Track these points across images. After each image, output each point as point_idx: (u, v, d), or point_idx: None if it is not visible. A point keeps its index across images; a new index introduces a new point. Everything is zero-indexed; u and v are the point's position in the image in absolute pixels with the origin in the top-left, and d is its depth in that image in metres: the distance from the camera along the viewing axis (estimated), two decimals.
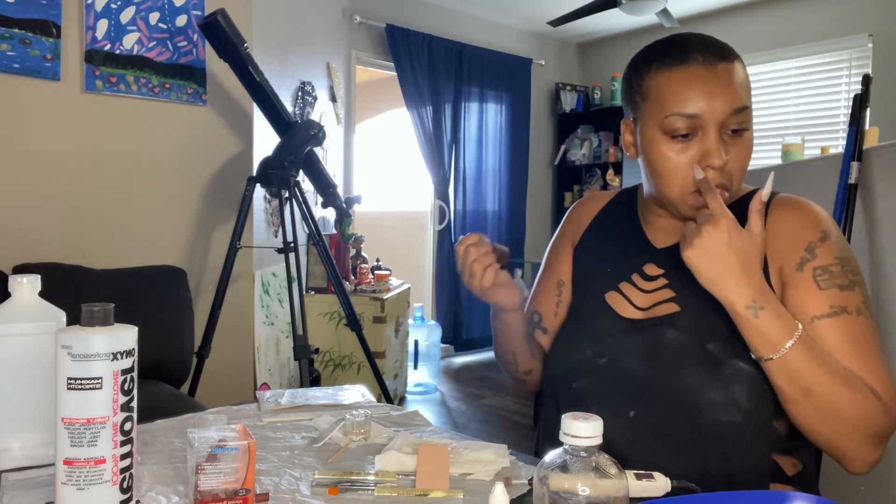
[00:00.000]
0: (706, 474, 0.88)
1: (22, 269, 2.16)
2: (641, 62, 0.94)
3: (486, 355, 5.27)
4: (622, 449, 0.90)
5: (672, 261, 0.97)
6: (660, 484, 0.81)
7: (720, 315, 0.88)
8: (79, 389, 0.71)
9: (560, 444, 0.59)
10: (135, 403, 0.75)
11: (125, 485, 0.74)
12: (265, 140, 2.93)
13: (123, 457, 0.73)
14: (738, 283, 0.81)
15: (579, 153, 5.76)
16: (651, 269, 0.99)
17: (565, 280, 1.13)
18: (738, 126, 0.88)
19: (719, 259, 0.82)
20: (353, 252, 3.82)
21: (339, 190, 3.28)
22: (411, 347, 4.20)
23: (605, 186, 5.53)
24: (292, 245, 2.45)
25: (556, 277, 1.14)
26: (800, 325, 0.82)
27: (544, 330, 1.14)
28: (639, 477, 0.81)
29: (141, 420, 0.80)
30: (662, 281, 0.97)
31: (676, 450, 0.89)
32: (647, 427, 0.91)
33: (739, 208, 0.94)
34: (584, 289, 1.07)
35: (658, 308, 0.96)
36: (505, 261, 1.02)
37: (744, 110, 0.88)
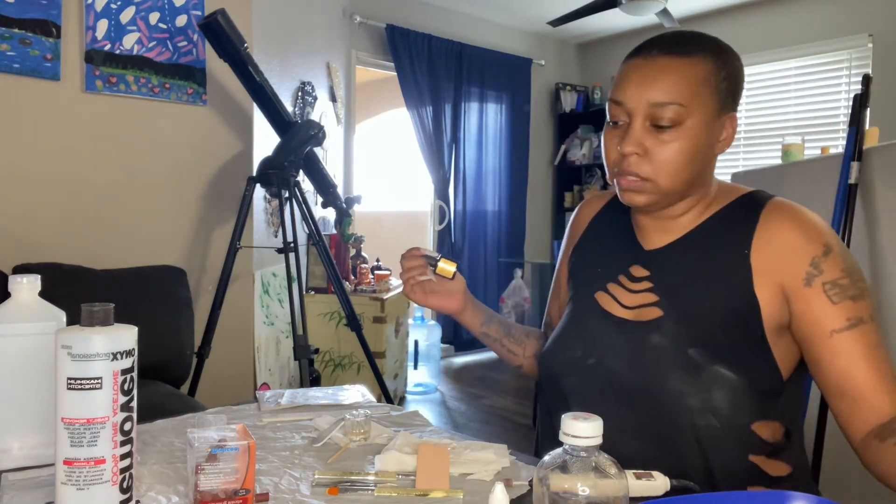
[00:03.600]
0: (685, 475, 0.88)
1: (22, 269, 2.16)
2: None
3: (486, 355, 5.26)
4: (609, 452, 0.90)
5: (657, 263, 0.98)
6: (659, 483, 0.81)
7: (701, 321, 0.90)
8: (79, 389, 0.71)
9: (557, 441, 0.59)
10: (135, 403, 0.75)
11: (125, 485, 0.74)
12: (265, 140, 2.93)
13: (123, 457, 0.73)
14: None
15: (579, 153, 5.76)
16: (637, 271, 0.99)
17: (564, 283, 1.15)
18: (662, 121, 0.89)
19: None
20: (353, 252, 3.82)
21: (339, 190, 3.28)
22: (411, 347, 4.20)
23: (605, 186, 5.53)
24: (292, 245, 2.45)
25: (559, 282, 1.17)
26: None
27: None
28: (638, 476, 0.81)
29: (141, 420, 0.80)
30: (647, 283, 0.98)
31: (658, 452, 0.90)
32: (632, 429, 0.92)
33: (733, 209, 0.96)
34: (577, 289, 1.08)
35: (642, 311, 0.96)
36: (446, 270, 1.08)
37: (665, 105, 0.88)
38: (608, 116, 0.97)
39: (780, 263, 0.89)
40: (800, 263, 0.88)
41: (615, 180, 0.95)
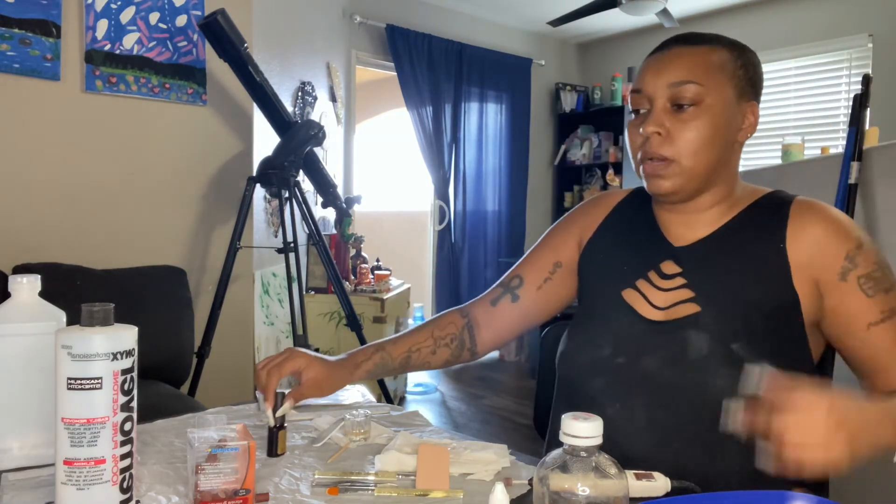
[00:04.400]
0: (729, 474, 0.88)
1: (22, 269, 2.16)
2: None
3: (486, 355, 5.26)
4: (644, 451, 0.89)
5: (690, 259, 0.97)
6: (659, 484, 0.81)
7: (741, 315, 0.90)
8: (79, 389, 0.71)
9: None
10: (135, 403, 0.75)
11: (125, 485, 0.74)
12: (265, 140, 2.93)
13: (123, 457, 0.73)
14: (881, 424, 0.75)
15: (579, 153, 5.76)
16: (668, 268, 0.98)
17: (564, 263, 1.11)
18: (682, 100, 0.92)
19: (827, 430, 0.70)
20: (353, 252, 3.82)
21: (339, 190, 3.28)
22: None
23: (605, 186, 5.53)
24: (292, 245, 2.45)
25: (555, 257, 1.12)
26: None
27: (516, 297, 1.12)
28: (639, 477, 0.81)
29: (141, 420, 0.80)
30: (680, 280, 0.96)
31: (701, 452, 0.89)
32: (672, 430, 0.90)
33: (760, 207, 0.97)
34: (599, 286, 1.06)
35: (678, 308, 0.95)
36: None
37: (683, 84, 0.92)
38: (630, 109, 0.99)
39: (814, 259, 0.90)
40: (835, 259, 0.90)
41: (641, 169, 0.97)
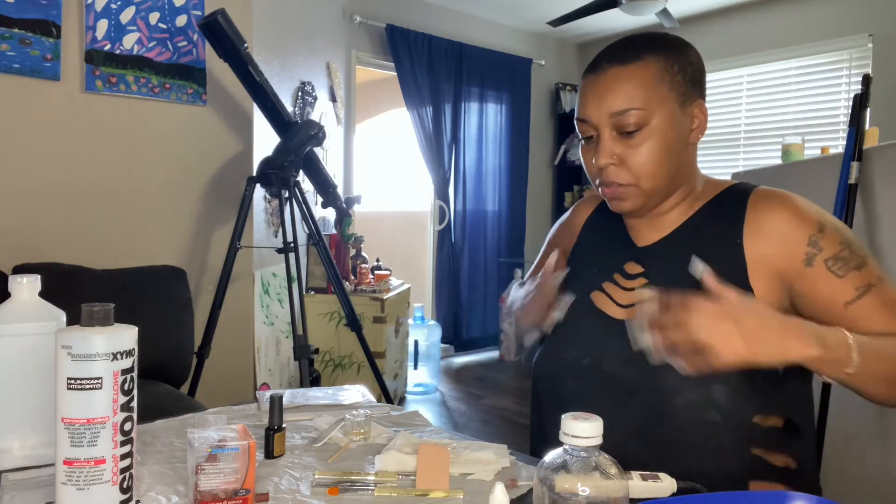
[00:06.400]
0: (688, 474, 0.88)
1: (22, 269, 2.16)
2: None
3: (486, 355, 5.26)
4: (609, 452, 0.88)
5: (651, 259, 0.99)
6: (665, 485, 0.81)
7: None
8: (79, 389, 0.71)
9: (548, 443, 0.59)
10: (135, 403, 0.75)
11: (125, 485, 0.74)
12: (265, 140, 2.93)
13: (123, 457, 0.73)
14: (789, 333, 0.77)
15: (579, 153, 5.76)
16: (631, 268, 1.01)
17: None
18: (627, 128, 0.92)
19: (748, 322, 0.76)
20: (353, 252, 3.82)
21: (339, 190, 3.28)
22: (411, 347, 4.20)
23: None
24: (292, 245, 2.45)
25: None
26: (845, 331, 0.81)
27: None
28: (644, 478, 0.81)
29: (141, 420, 0.80)
30: (642, 280, 0.98)
31: (660, 451, 0.90)
32: (632, 429, 0.92)
33: (720, 202, 0.98)
34: (572, 291, 1.08)
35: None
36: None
37: (624, 112, 0.91)
38: (579, 135, 0.99)
39: (775, 250, 0.90)
40: (797, 246, 0.89)
41: (601, 191, 0.99)
